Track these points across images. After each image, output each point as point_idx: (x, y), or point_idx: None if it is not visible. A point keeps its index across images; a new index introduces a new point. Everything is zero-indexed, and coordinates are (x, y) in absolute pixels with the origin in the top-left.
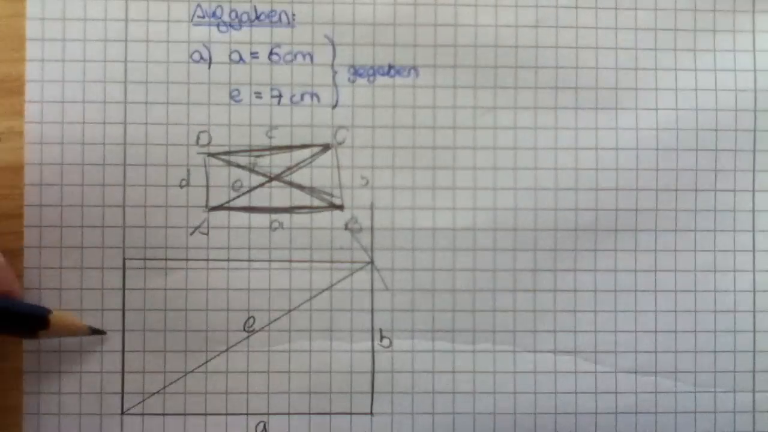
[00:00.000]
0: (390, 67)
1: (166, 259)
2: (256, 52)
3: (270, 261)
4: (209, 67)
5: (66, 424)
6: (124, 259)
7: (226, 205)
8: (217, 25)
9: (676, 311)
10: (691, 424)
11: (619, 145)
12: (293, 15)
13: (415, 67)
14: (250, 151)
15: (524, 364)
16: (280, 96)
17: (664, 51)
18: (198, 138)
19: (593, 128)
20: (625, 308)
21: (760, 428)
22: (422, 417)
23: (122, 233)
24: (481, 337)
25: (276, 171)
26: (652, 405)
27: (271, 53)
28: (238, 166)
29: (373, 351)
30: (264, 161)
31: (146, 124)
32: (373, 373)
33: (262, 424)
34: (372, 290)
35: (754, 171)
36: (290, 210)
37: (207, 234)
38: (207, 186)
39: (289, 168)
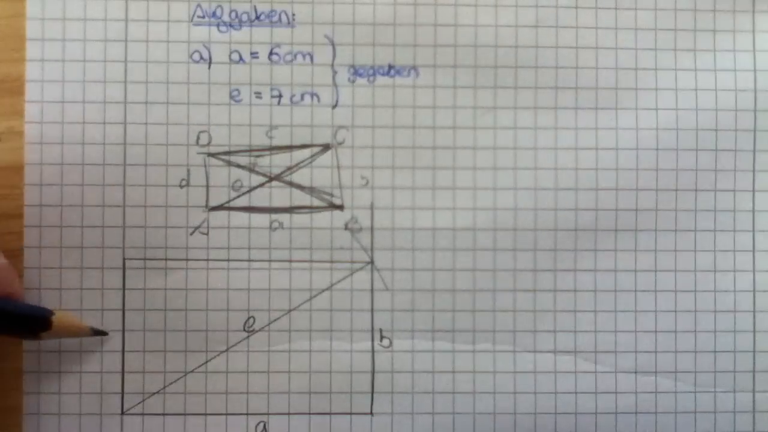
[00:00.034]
0: (390, 67)
1: (166, 259)
2: (256, 52)
3: (270, 261)
4: (209, 67)
5: (66, 424)
6: (124, 259)
7: (226, 205)
8: (217, 25)
9: (676, 311)
10: (691, 424)
11: (619, 145)
12: (293, 15)
13: (415, 67)
14: (250, 151)
15: (524, 364)
16: (280, 96)
17: (664, 51)
18: (198, 138)
19: (593, 128)
20: (625, 308)
21: (760, 428)
22: (422, 417)
23: (122, 233)
24: (481, 337)
25: (276, 171)
26: (652, 405)
27: (271, 53)
28: (238, 166)
29: (373, 351)
30: (264, 161)
31: (146, 124)
32: (373, 373)
33: (262, 424)
34: (372, 290)
35: (754, 171)
36: (290, 210)
37: (207, 234)
38: (207, 186)
39: (289, 168)
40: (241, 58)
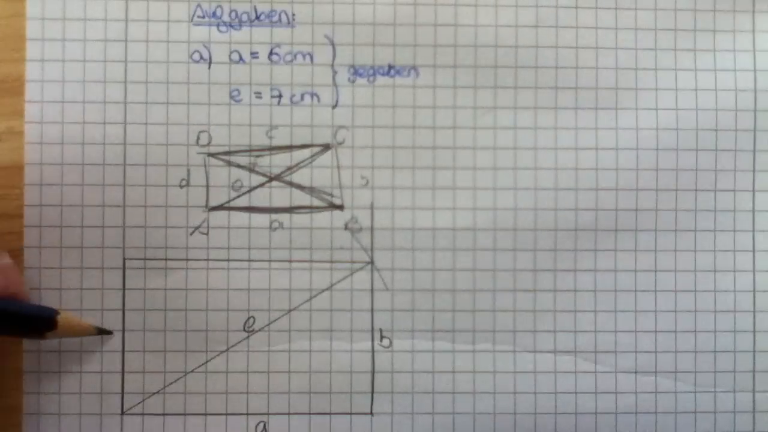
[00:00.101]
0: (390, 67)
1: (166, 259)
2: (256, 52)
3: (270, 261)
4: (209, 67)
5: (66, 424)
6: (124, 259)
7: (226, 205)
8: (217, 25)
9: (676, 311)
10: (691, 424)
11: (619, 145)
12: (293, 15)
13: (415, 67)
14: (250, 151)
15: (524, 364)
16: (280, 96)
17: (664, 51)
18: (198, 138)
19: (593, 128)
20: (625, 308)
21: (760, 428)
22: (422, 417)
23: (122, 233)
24: (481, 337)
25: (276, 171)
26: (652, 405)
27: (271, 53)
28: (238, 166)
29: (373, 351)
30: (264, 161)
31: (146, 124)
32: (373, 373)
33: (262, 424)
34: (372, 290)
35: (754, 171)
36: (290, 210)
37: (207, 234)
38: (207, 186)
39: (289, 168)
40: (241, 58)
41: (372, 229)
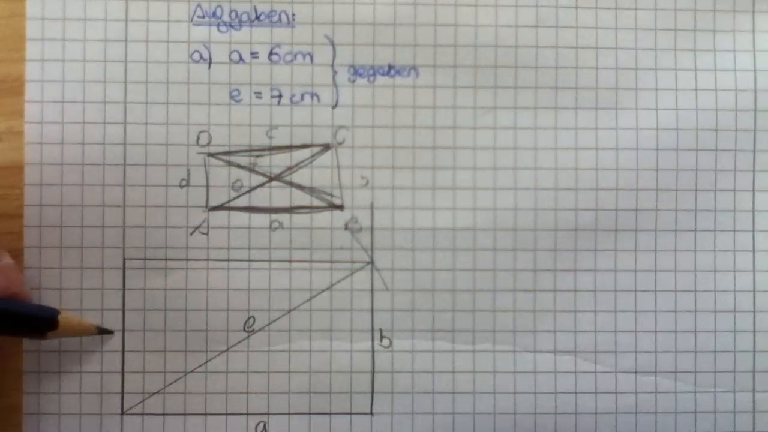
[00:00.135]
0: (390, 67)
1: (166, 259)
2: (256, 52)
3: (270, 261)
4: (209, 67)
5: (66, 424)
6: (124, 259)
7: (226, 205)
8: (217, 25)
9: (676, 311)
10: (691, 424)
11: (619, 145)
12: (293, 15)
13: (415, 67)
14: (250, 151)
15: (524, 364)
16: (280, 96)
17: (664, 51)
18: (198, 138)
19: (593, 128)
20: (625, 308)
21: (760, 428)
22: (422, 417)
23: (122, 233)
24: (481, 337)
25: (276, 171)
26: (652, 405)
27: (271, 53)
28: (238, 166)
29: (373, 351)
30: (264, 161)
31: (146, 124)
32: (373, 373)
33: (262, 424)
34: (372, 290)
35: (754, 171)
36: (290, 210)
37: (207, 234)
38: (207, 186)
39: (289, 168)
40: (241, 58)
41: (372, 229)
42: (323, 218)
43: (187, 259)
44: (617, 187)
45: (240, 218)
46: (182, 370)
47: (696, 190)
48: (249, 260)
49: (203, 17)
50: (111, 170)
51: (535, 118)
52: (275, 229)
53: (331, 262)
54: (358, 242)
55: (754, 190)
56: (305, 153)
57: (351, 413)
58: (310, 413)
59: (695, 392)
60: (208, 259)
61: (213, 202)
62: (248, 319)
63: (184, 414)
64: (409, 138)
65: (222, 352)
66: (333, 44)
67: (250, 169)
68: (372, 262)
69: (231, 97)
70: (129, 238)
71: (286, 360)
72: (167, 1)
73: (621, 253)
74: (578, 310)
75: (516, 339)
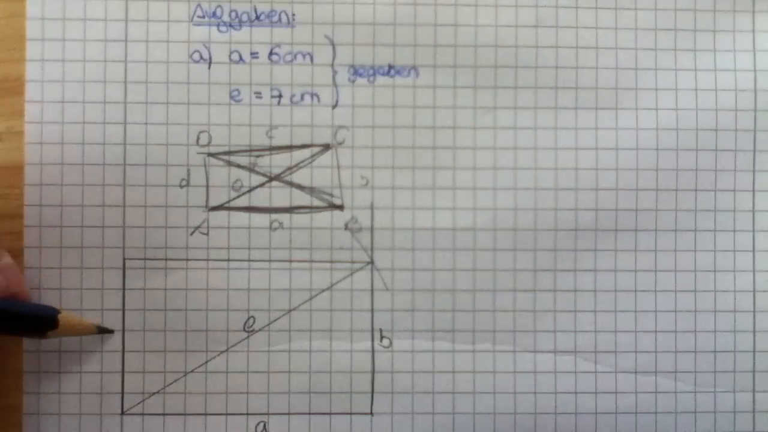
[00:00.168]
0: (390, 67)
1: (166, 259)
2: (256, 52)
3: (270, 261)
4: (209, 67)
5: (66, 424)
6: (124, 259)
7: (226, 205)
8: (217, 25)
9: (676, 311)
10: (691, 424)
11: (619, 145)
12: (293, 15)
13: (415, 67)
14: (250, 151)
15: (524, 364)
16: (280, 96)
17: (664, 51)
18: (198, 138)
19: (593, 128)
20: (625, 308)
21: (760, 428)
22: (422, 417)
23: (122, 233)
24: (481, 337)
25: (276, 171)
26: (652, 405)
27: (271, 53)
28: (238, 166)
29: (373, 351)
30: (264, 161)
31: (146, 124)
32: (373, 373)
33: (262, 424)
34: (372, 290)
35: (754, 171)
36: (290, 210)
37: (207, 234)
38: (207, 186)
39: (289, 168)
40: (241, 58)
41: (372, 229)
42: (323, 218)
43: (187, 259)
44: (617, 187)
45: (240, 218)
46: (182, 370)
47: (696, 190)
48: (249, 260)
49: (203, 17)
50: (111, 170)
51: (535, 118)
52: (275, 229)
53: (331, 262)
54: (358, 242)
55: (754, 190)
56: (305, 153)
57: (351, 413)
58: (310, 413)
59: (695, 392)
60: (208, 259)
61: (213, 202)
62: (248, 319)
63: (184, 414)
64: (409, 138)
65: (222, 352)
66: (333, 44)
67: (250, 169)
68: (372, 262)
69: (231, 97)
70: (129, 238)
71: (286, 360)
72: (167, 1)
73: (621, 253)
74: (578, 310)
75: (516, 339)
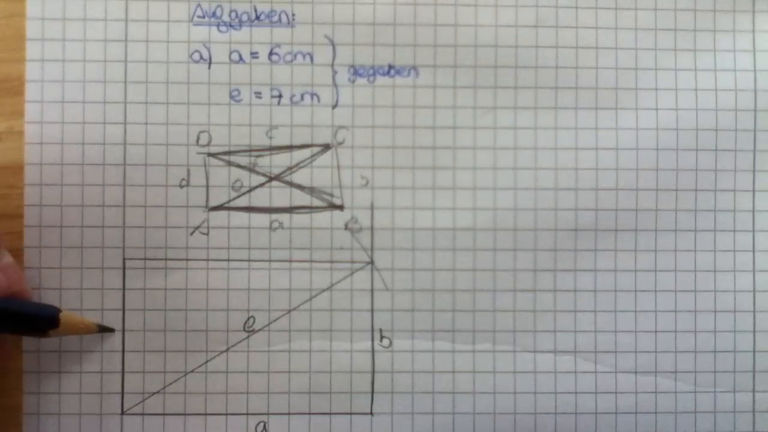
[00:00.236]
0: (390, 67)
1: (166, 259)
2: (256, 52)
3: (270, 261)
4: (209, 67)
5: (66, 424)
6: (124, 259)
7: (226, 205)
8: (217, 25)
9: (676, 311)
10: (691, 424)
11: (619, 145)
12: (293, 15)
13: (415, 67)
14: (250, 151)
15: (524, 364)
16: (280, 96)
17: (664, 51)
18: (198, 138)
19: (593, 128)
20: (625, 308)
21: (760, 428)
22: (422, 417)
23: (122, 233)
24: (481, 337)
25: (276, 171)
26: (652, 405)
27: (271, 53)
28: (238, 166)
29: (373, 351)
30: (264, 161)
31: (146, 124)
32: (373, 373)
33: (262, 424)
34: (372, 290)
35: (754, 171)
36: (290, 210)
37: (207, 234)
38: (207, 186)
39: (289, 168)
40: (241, 58)
41: (372, 229)
42: (323, 218)
43: (187, 259)
44: (617, 187)
45: (240, 218)
46: (182, 370)
47: (696, 190)
48: (249, 260)
49: (203, 17)
50: (111, 170)
51: (535, 118)
52: (275, 229)
53: (331, 262)
54: (358, 242)
55: (754, 190)
56: (305, 153)
57: (351, 413)
58: (310, 413)
59: (695, 392)
60: (208, 259)
61: (213, 202)
62: (248, 319)
63: (184, 414)
64: (409, 138)
65: (222, 352)
66: (333, 44)
67: (250, 169)
68: (372, 262)
69: (231, 97)
70: (129, 238)
71: (286, 360)
72: (167, 1)
73: (621, 253)
74: (578, 310)
75: (516, 339)
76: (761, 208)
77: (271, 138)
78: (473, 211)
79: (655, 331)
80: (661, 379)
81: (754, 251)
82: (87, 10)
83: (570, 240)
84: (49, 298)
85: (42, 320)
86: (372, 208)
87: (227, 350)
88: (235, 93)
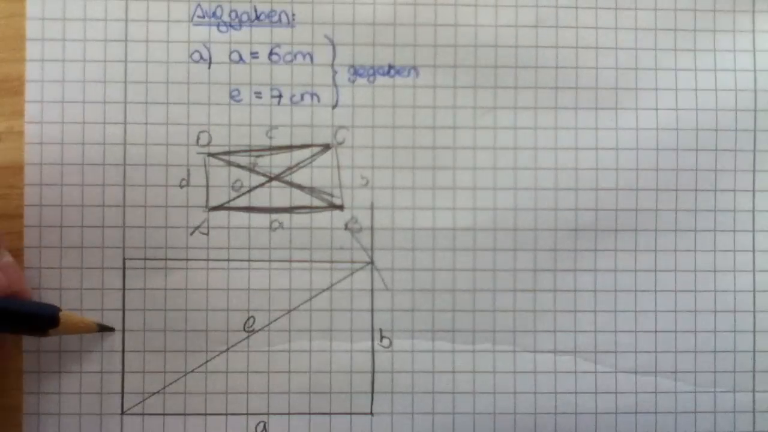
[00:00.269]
0: (390, 67)
1: (166, 259)
2: (256, 52)
3: (270, 261)
4: (209, 67)
5: (66, 424)
6: (124, 259)
7: (226, 205)
8: (217, 25)
9: (676, 311)
10: (691, 424)
11: (619, 145)
12: (293, 15)
13: (415, 67)
14: (250, 151)
15: (524, 364)
16: (280, 96)
17: (664, 51)
18: (198, 138)
19: (593, 128)
20: (625, 308)
21: (760, 428)
22: (422, 417)
23: (122, 233)
24: (481, 337)
25: (276, 171)
26: (652, 405)
27: (271, 53)
28: (238, 166)
29: (373, 351)
30: (264, 161)
31: (146, 124)
32: (373, 373)
33: (262, 424)
34: (372, 290)
35: (754, 171)
36: (290, 210)
37: (207, 234)
38: (207, 186)
39: (289, 168)
40: (241, 58)
41: (372, 229)
42: (323, 218)
43: (187, 259)
44: (617, 187)
45: (240, 218)
46: (182, 370)
47: (696, 190)
48: (249, 260)
49: (203, 17)
50: (111, 170)
51: (535, 118)
52: (275, 229)
53: (331, 262)
54: (358, 242)
55: (754, 190)
56: (305, 153)
57: (351, 413)
58: (310, 413)
59: (695, 392)
60: (208, 259)
61: (213, 202)
62: (248, 319)
63: (184, 414)
64: (409, 138)
65: (222, 352)
66: (333, 44)
67: (250, 169)
68: (372, 262)
69: (231, 97)
70: (129, 238)
71: (286, 360)
72: (167, 1)
73: (621, 253)
74: (578, 310)
75: (516, 339)
76: (761, 208)
77: (271, 138)
78: (473, 211)
79: (655, 331)
80: (661, 379)
81: (754, 251)
82: (87, 10)
83: (570, 240)
84: (49, 298)
85: (42, 319)
86: (372, 208)
87: (227, 350)
88: (235, 93)
